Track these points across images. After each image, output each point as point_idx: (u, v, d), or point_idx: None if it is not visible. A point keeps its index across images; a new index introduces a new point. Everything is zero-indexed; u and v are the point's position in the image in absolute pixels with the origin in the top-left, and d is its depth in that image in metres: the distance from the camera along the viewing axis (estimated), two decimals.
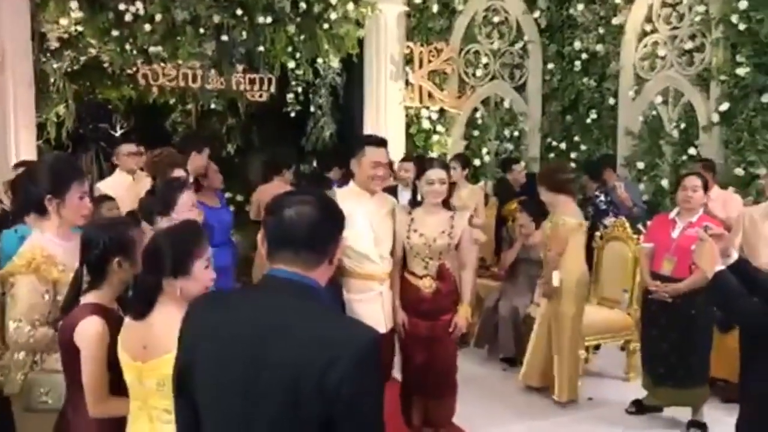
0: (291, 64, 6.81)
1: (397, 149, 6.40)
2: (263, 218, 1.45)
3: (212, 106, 7.98)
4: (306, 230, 1.36)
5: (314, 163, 6.93)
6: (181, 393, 1.43)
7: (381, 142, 3.38)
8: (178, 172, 3.40)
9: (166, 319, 1.84)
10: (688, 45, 6.22)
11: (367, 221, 3.28)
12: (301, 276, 1.36)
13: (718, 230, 2.59)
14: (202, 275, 1.91)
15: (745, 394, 2.48)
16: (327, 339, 1.26)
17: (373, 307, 3.30)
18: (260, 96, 6.88)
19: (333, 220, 1.44)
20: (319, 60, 7.14)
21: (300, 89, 7.39)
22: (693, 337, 3.93)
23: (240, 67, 6.80)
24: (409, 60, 7.12)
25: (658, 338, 4.07)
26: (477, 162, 7.31)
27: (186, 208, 2.77)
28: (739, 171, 5.57)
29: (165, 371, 1.83)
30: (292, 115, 7.60)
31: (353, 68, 7.34)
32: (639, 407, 4.28)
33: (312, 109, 7.86)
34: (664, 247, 4.04)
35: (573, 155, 7.37)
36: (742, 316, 2.41)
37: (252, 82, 6.77)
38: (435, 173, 3.35)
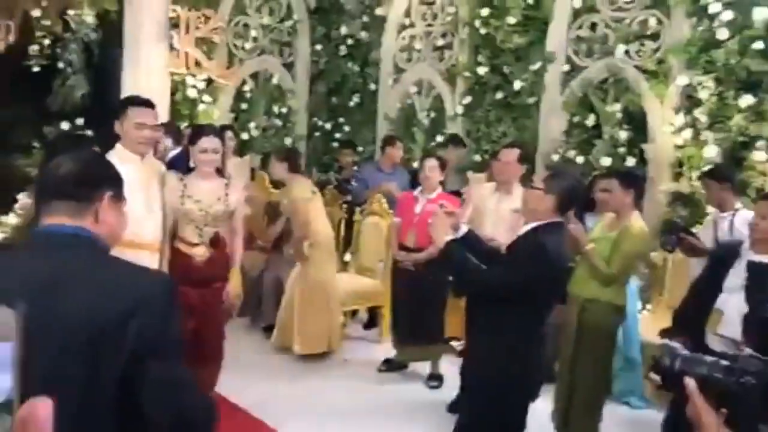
0: (36, 12, 6.08)
1: (162, 116, 6.09)
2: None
3: None
4: (66, 177, 1.37)
5: (63, 125, 6.28)
6: None
7: (146, 103, 3.24)
8: None
9: None
10: (440, 42, 6.89)
11: (138, 186, 3.10)
12: (77, 227, 1.34)
13: (451, 207, 3.05)
14: None
15: (469, 345, 2.94)
16: (128, 286, 1.29)
17: None
18: None
19: (93, 168, 1.44)
20: (70, 11, 6.48)
21: (46, 42, 6.63)
22: (430, 300, 4.45)
23: None
24: (174, 24, 6.79)
25: (404, 302, 4.56)
26: (245, 136, 7.27)
27: None
28: (477, 157, 6.37)
29: None
30: (36, 69, 6.80)
31: (111, 25, 6.78)
32: (389, 365, 4.74)
33: (61, 65, 7.09)
34: (409, 222, 4.51)
35: (337, 135, 7.72)
36: (466, 281, 2.83)
37: None
38: (209, 141, 3.32)
